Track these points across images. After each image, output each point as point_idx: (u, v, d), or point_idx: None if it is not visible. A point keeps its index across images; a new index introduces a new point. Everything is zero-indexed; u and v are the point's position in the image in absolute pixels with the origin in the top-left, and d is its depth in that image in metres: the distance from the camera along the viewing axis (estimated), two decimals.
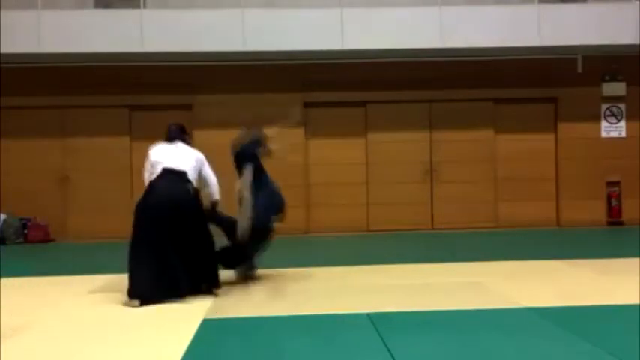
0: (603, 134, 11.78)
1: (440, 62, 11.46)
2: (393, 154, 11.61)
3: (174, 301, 5.31)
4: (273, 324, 4.58)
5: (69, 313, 5.11)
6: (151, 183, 5.61)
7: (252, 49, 10.66)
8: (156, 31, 10.51)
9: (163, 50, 10.63)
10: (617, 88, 11.65)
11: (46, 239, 11.01)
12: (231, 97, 11.45)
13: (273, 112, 11.38)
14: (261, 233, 6.20)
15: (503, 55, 11.28)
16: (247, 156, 6.40)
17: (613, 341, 3.87)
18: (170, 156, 5.67)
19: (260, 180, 6.35)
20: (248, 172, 6.28)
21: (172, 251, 5.39)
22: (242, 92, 11.45)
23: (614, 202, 11.67)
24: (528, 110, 11.83)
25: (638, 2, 10.77)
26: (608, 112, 11.78)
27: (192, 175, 5.68)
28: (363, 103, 11.69)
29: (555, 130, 11.85)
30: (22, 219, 11.03)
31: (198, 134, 10.17)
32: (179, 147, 5.82)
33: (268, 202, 6.31)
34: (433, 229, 11.59)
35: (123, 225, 11.26)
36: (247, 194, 6.18)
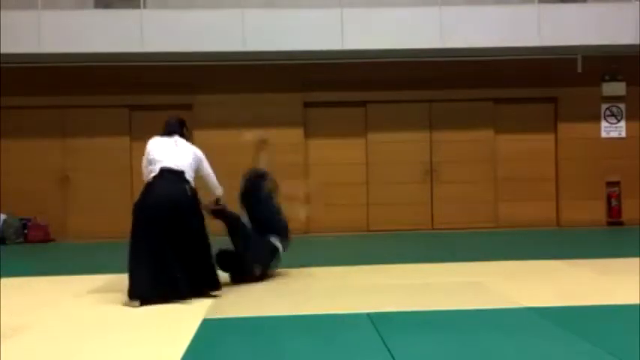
0: (603, 134, 11.78)
1: (440, 62, 11.46)
2: (393, 154, 11.61)
3: (174, 302, 5.31)
4: (273, 324, 4.57)
5: (69, 313, 5.10)
6: (149, 183, 5.59)
7: (252, 49, 10.66)
8: (156, 31, 10.52)
9: (163, 50, 10.63)
10: (617, 88, 11.66)
11: (46, 239, 11.01)
12: (231, 97, 11.46)
13: (273, 112, 11.47)
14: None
15: (503, 55, 11.28)
16: (252, 193, 6.58)
17: (613, 341, 3.86)
18: (168, 154, 5.61)
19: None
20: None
21: (171, 252, 5.37)
22: (242, 92, 11.46)
23: (614, 202, 11.68)
24: (528, 110, 11.84)
25: (638, 2, 10.77)
26: (608, 112, 11.79)
27: (190, 174, 5.65)
28: (363, 103, 11.69)
29: (555, 130, 11.85)
30: (22, 219, 11.03)
31: (198, 134, 10.16)
32: (177, 143, 5.74)
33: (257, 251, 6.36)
34: (433, 229, 11.59)
35: (123, 225, 11.26)
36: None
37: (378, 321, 4.47)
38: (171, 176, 5.53)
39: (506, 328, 4.32)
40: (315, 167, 11.63)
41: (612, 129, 11.78)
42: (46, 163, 11.35)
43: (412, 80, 11.52)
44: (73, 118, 11.46)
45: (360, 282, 6.24)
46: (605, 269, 6.68)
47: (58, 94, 11.33)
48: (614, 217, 11.66)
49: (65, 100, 11.36)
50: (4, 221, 10.84)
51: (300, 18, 10.75)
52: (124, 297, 5.36)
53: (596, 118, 11.76)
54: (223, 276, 6.07)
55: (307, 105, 11.62)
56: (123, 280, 5.46)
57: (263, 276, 6.36)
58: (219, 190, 6.06)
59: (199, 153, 5.86)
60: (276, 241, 6.56)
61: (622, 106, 11.78)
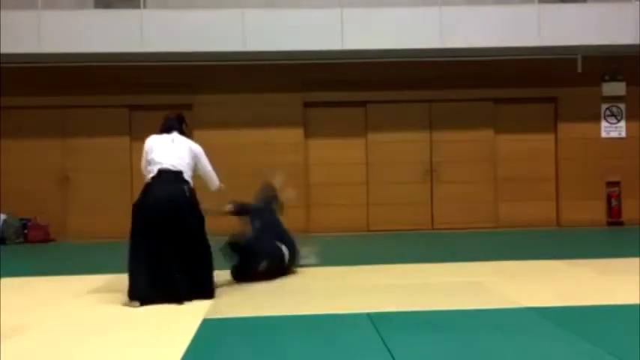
0: (603, 134, 11.78)
1: (440, 62, 11.46)
2: (393, 154, 11.62)
3: (174, 302, 5.31)
4: (273, 324, 4.57)
5: (69, 313, 5.10)
6: (147, 184, 5.58)
7: (252, 49, 10.66)
8: (156, 31, 10.51)
9: (163, 50, 10.63)
10: (617, 88, 11.66)
11: (46, 239, 11.01)
12: (231, 97, 11.46)
13: (273, 112, 11.48)
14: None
15: (503, 55, 11.29)
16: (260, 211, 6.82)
17: (613, 341, 3.86)
18: (166, 154, 5.59)
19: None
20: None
21: (169, 253, 5.36)
22: (242, 92, 11.46)
23: (614, 202, 11.68)
24: (528, 110, 11.84)
25: (638, 2, 10.77)
26: (608, 112, 11.79)
27: (188, 174, 5.64)
28: (363, 103, 11.69)
29: (555, 130, 11.85)
30: (22, 219, 11.03)
31: (198, 134, 10.15)
32: (175, 141, 5.70)
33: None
34: (433, 229, 11.59)
35: (123, 225, 11.24)
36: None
37: (378, 321, 4.47)
38: (169, 177, 5.52)
39: (506, 328, 4.32)
40: (315, 167, 11.63)
41: (612, 129, 11.78)
42: (46, 163, 11.35)
43: (412, 80, 11.52)
44: (73, 118, 11.46)
45: (360, 282, 6.24)
46: (605, 269, 6.68)
47: (58, 94, 11.33)
48: (614, 217, 11.66)
49: (65, 100, 11.36)
50: (4, 221, 10.84)
51: (300, 18, 10.75)
52: (124, 297, 5.36)
53: (596, 118, 11.76)
54: (223, 276, 6.07)
55: (307, 105, 11.62)
56: (123, 280, 5.46)
57: (265, 275, 6.36)
58: (215, 186, 6.02)
59: (197, 149, 5.81)
60: (283, 248, 6.65)
61: (622, 106, 11.78)
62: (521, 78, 11.61)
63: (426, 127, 11.75)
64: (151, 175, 5.57)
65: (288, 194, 7.18)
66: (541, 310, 4.75)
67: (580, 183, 11.67)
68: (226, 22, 10.62)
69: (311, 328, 4.43)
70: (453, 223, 11.49)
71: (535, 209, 11.67)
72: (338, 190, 11.56)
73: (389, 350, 3.75)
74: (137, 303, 5.22)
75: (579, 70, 11.62)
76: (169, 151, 5.62)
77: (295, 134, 11.57)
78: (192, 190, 5.62)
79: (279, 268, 6.58)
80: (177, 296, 5.30)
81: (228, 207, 6.67)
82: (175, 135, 5.76)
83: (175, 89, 11.18)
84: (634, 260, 7.01)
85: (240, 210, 6.76)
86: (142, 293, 5.26)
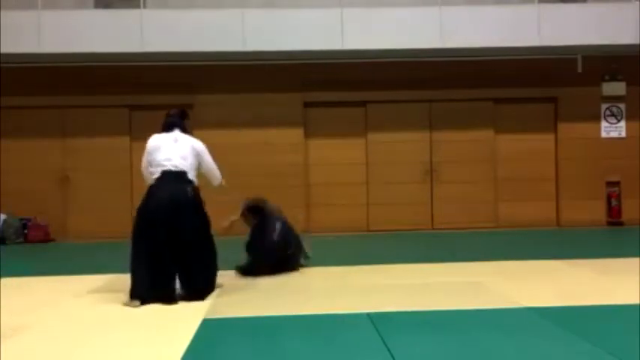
0: (603, 134, 11.78)
1: (440, 62, 11.46)
2: (393, 154, 11.62)
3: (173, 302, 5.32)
4: (273, 324, 4.57)
5: (69, 313, 5.10)
6: (151, 186, 5.58)
7: (252, 49, 10.66)
8: (156, 31, 10.51)
9: (163, 50, 10.63)
10: (617, 88, 11.66)
11: (46, 239, 11.01)
12: (231, 97, 11.46)
13: (273, 112, 11.48)
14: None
15: (503, 55, 11.29)
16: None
17: (613, 341, 3.86)
18: (169, 155, 5.58)
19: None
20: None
21: (170, 255, 5.37)
22: (242, 92, 11.46)
23: (614, 202, 11.68)
24: (528, 110, 11.84)
25: (638, 2, 10.77)
26: (608, 112, 11.79)
27: (191, 174, 5.64)
28: (363, 103, 11.69)
29: (555, 130, 11.85)
30: (22, 219, 11.03)
31: (198, 134, 9.96)
32: (178, 140, 5.69)
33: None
34: (433, 229, 11.59)
35: (123, 225, 11.33)
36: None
37: (378, 321, 4.47)
38: (172, 178, 5.53)
39: (506, 328, 4.32)
40: (315, 167, 11.63)
41: (612, 129, 11.78)
42: (46, 163, 11.35)
43: (412, 80, 11.53)
44: (73, 118, 11.46)
45: (360, 282, 6.24)
46: (605, 269, 6.68)
47: (58, 94, 11.33)
48: (614, 217, 11.66)
49: (65, 100, 11.35)
50: (4, 221, 10.84)
51: (300, 18, 10.75)
52: (124, 297, 5.36)
53: (596, 118, 11.76)
54: (224, 276, 6.07)
55: (307, 105, 11.62)
56: (123, 280, 5.46)
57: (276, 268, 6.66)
58: (217, 181, 6.03)
59: (200, 147, 5.81)
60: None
61: (622, 106, 11.78)
62: (521, 78, 11.61)
63: (426, 127, 11.75)
64: (155, 177, 5.56)
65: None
66: (541, 310, 4.75)
67: (580, 183, 11.67)
68: (226, 22, 10.62)
69: (311, 328, 4.43)
70: (453, 223, 11.49)
71: (535, 209, 11.67)
72: (338, 190, 11.56)
73: (389, 350, 3.76)
74: (137, 302, 5.22)
75: (579, 70, 11.62)
76: (172, 152, 5.60)
77: (295, 134, 11.57)
78: (196, 190, 5.63)
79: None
80: (173, 298, 5.33)
81: (241, 205, 6.95)
82: (178, 134, 5.74)
83: (175, 89, 11.18)
84: (634, 260, 7.01)
85: (254, 208, 6.95)
86: (142, 293, 5.27)
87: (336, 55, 11.10)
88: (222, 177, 6.07)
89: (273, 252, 6.72)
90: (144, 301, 5.23)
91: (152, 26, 10.52)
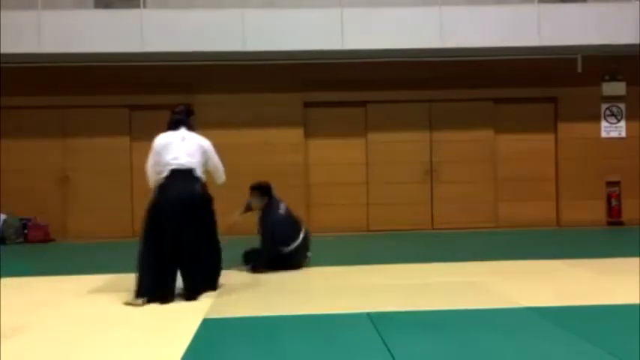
0: (603, 134, 11.78)
1: (440, 62, 11.47)
2: (393, 154, 11.62)
3: (174, 302, 5.32)
4: (273, 324, 4.58)
5: (69, 313, 5.11)
6: (160, 184, 5.61)
7: (252, 49, 10.66)
8: (156, 31, 10.51)
9: (163, 50, 10.63)
10: (617, 87, 11.66)
11: (46, 239, 11.01)
12: (231, 97, 11.46)
13: (273, 112, 11.48)
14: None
15: (503, 55, 11.29)
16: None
17: (613, 341, 3.87)
18: (177, 153, 5.62)
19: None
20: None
21: (175, 255, 5.41)
22: (242, 92, 11.46)
23: (614, 202, 11.68)
24: (528, 110, 11.84)
25: (638, 2, 10.77)
26: (608, 112, 11.79)
27: (199, 171, 5.70)
28: (363, 103, 11.69)
29: (555, 130, 11.85)
30: (22, 219, 11.03)
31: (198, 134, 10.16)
32: (185, 138, 5.74)
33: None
34: (433, 229, 11.59)
35: (123, 225, 11.38)
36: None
37: (378, 321, 4.48)
38: (181, 176, 5.59)
39: (506, 328, 4.32)
40: (315, 167, 11.63)
41: (612, 129, 11.78)
42: (46, 163, 11.35)
43: (412, 80, 11.53)
44: (73, 118, 11.46)
45: (360, 282, 6.24)
46: (605, 269, 6.68)
47: (58, 94, 11.33)
48: (614, 217, 11.66)
49: (65, 100, 11.35)
50: (4, 221, 10.84)
51: (300, 18, 10.74)
52: (124, 297, 5.37)
53: (596, 118, 11.76)
54: (225, 275, 6.07)
55: (307, 105, 11.62)
56: (123, 280, 5.46)
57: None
58: (222, 180, 6.09)
59: (207, 145, 5.88)
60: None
61: (622, 105, 11.78)
62: (521, 78, 11.61)
63: (426, 127, 11.74)
64: (163, 175, 5.60)
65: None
66: (541, 310, 4.76)
67: (580, 183, 11.67)
68: (226, 22, 10.62)
69: (311, 328, 4.43)
70: (453, 223, 11.49)
71: (535, 209, 11.67)
72: (338, 190, 11.56)
73: (389, 350, 3.76)
74: (140, 301, 5.24)
75: (579, 70, 11.62)
76: (180, 150, 5.66)
77: (295, 134, 11.57)
78: (204, 187, 5.72)
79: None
80: (171, 297, 5.37)
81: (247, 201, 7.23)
82: (184, 132, 5.80)
83: (175, 89, 11.17)
84: (634, 260, 7.01)
85: (264, 188, 7.23)
86: (147, 292, 5.30)
87: (336, 55, 11.10)
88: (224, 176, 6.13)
89: (281, 227, 7.00)
90: (149, 300, 5.25)
91: (152, 26, 10.52)
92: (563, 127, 11.77)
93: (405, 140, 11.67)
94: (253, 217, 7.29)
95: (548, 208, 11.77)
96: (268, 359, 3.75)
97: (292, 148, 11.48)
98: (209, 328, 4.48)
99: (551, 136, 11.86)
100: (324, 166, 11.60)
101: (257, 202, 7.19)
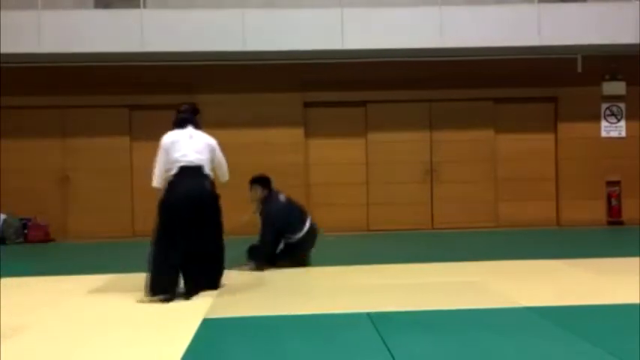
0: (603, 134, 11.78)
1: (440, 62, 11.47)
2: (393, 154, 11.62)
3: (175, 301, 5.33)
4: (273, 323, 4.57)
5: (69, 313, 5.11)
6: (170, 182, 5.64)
7: (251, 48, 10.66)
8: (156, 31, 10.52)
9: (163, 50, 10.64)
10: (617, 87, 11.66)
11: (46, 239, 11.01)
12: (231, 96, 11.46)
13: (273, 112, 11.48)
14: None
15: (503, 54, 11.29)
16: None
17: (613, 341, 3.86)
18: (185, 150, 5.66)
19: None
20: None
21: (184, 251, 5.46)
22: (242, 92, 11.46)
23: (614, 202, 11.68)
24: (528, 110, 11.84)
25: (638, 2, 10.77)
26: (608, 112, 11.79)
27: (208, 168, 5.75)
28: (363, 103, 11.69)
29: (555, 130, 11.85)
30: (22, 219, 11.03)
31: None
32: (193, 136, 5.79)
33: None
34: (433, 228, 11.59)
35: (123, 225, 11.37)
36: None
37: (378, 321, 4.47)
38: (190, 173, 5.63)
39: (506, 328, 4.32)
40: (315, 167, 11.63)
41: (612, 128, 11.78)
42: (46, 163, 11.35)
43: (412, 80, 11.52)
44: (73, 118, 11.46)
45: (360, 282, 6.24)
46: (605, 269, 6.68)
47: (58, 94, 11.33)
48: (614, 216, 11.66)
49: (65, 100, 11.36)
50: (4, 221, 10.84)
51: (300, 18, 10.75)
52: (124, 297, 5.38)
53: (596, 117, 11.76)
54: (226, 275, 6.07)
55: (307, 105, 11.62)
56: (123, 280, 5.46)
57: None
58: (226, 178, 6.14)
59: (213, 143, 5.93)
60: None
61: (622, 105, 11.78)
62: (521, 78, 11.61)
63: (426, 126, 11.75)
64: (172, 173, 5.64)
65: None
66: (541, 310, 4.75)
67: (580, 183, 11.67)
68: (226, 22, 10.62)
69: (311, 328, 4.43)
70: (453, 223, 11.49)
71: (535, 209, 11.67)
72: (338, 190, 11.56)
73: (389, 350, 3.75)
74: (162, 297, 5.29)
75: (579, 69, 11.62)
76: (188, 148, 5.70)
77: (295, 134, 11.57)
78: (212, 184, 5.78)
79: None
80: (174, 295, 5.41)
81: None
82: (192, 130, 5.84)
83: (175, 89, 11.16)
84: (634, 260, 7.01)
85: (263, 180, 7.35)
86: (163, 289, 5.36)
87: (336, 55, 11.10)
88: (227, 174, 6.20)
89: (283, 215, 7.10)
90: (167, 299, 5.31)
91: (152, 26, 10.53)
92: (563, 127, 11.77)
93: (405, 140, 11.67)
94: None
95: (548, 208, 11.77)
96: (268, 359, 3.75)
97: (292, 148, 11.48)
98: (209, 328, 4.48)
99: (551, 136, 11.86)
100: (324, 166, 11.60)
101: (258, 195, 7.24)
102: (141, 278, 5.51)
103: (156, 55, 10.80)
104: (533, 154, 11.78)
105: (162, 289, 5.35)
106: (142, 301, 5.30)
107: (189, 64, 11.25)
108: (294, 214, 7.25)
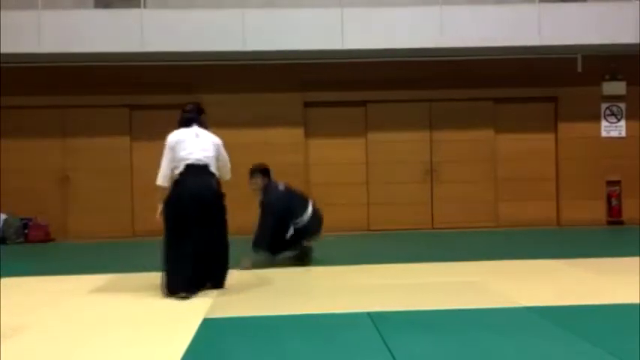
0: (603, 134, 11.78)
1: (440, 62, 11.47)
2: (393, 154, 11.62)
3: (175, 300, 5.33)
4: (274, 323, 4.57)
5: (69, 313, 5.10)
6: (177, 180, 5.66)
7: (251, 48, 10.66)
8: (156, 31, 10.52)
9: (163, 50, 10.64)
10: (618, 87, 11.66)
11: (47, 239, 11.01)
12: (231, 96, 11.46)
13: (273, 112, 11.48)
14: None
15: (503, 54, 11.29)
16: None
17: (613, 341, 3.86)
18: (191, 149, 5.68)
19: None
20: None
21: (194, 249, 5.49)
22: (242, 92, 11.46)
23: (614, 202, 11.68)
24: (528, 110, 11.84)
25: (638, 2, 10.77)
26: (608, 112, 11.79)
27: (214, 167, 5.78)
28: (363, 103, 11.69)
29: (555, 130, 11.85)
30: (22, 219, 11.03)
31: None
32: (199, 135, 5.81)
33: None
34: (433, 228, 11.59)
35: (123, 225, 11.37)
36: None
37: (378, 320, 4.47)
38: (197, 171, 5.65)
39: (506, 327, 4.32)
40: (315, 167, 11.64)
41: (612, 128, 11.78)
42: (46, 163, 11.36)
43: (412, 80, 11.53)
44: (73, 118, 11.47)
45: (360, 282, 6.23)
46: (605, 269, 6.67)
47: (58, 94, 11.34)
48: (614, 216, 11.66)
49: (65, 100, 11.36)
50: (5, 221, 10.84)
51: (300, 18, 10.75)
52: (125, 297, 5.39)
53: (596, 117, 11.77)
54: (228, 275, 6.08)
55: (307, 105, 11.62)
56: (123, 280, 5.46)
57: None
58: (229, 176, 6.16)
59: (218, 141, 5.96)
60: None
61: (622, 105, 11.78)
62: (521, 78, 11.61)
63: (426, 126, 11.75)
64: (178, 171, 5.65)
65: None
66: (541, 310, 4.75)
67: (580, 182, 11.67)
68: (226, 22, 10.62)
69: (311, 328, 4.43)
70: (453, 223, 11.49)
71: (535, 209, 11.67)
72: (338, 190, 11.56)
73: (389, 350, 3.75)
74: (184, 294, 5.34)
75: (579, 69, 11.63)
76: (195, 146, 5.72)
77: (295, 134, 11.57)
78: (218, 182, 5.81)
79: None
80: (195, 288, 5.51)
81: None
82: (197, 129, 5.87)
83: (175, 89, 11.17)
84: (634, 260, 7.01)
85: (263, 169, 7.44)
86: (186, 285, 5.39)
87: (336, 55, 11.10)
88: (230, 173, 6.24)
89: (283, 202, 7.16)
90: (187, 297, 5.34)
91: (152, 26, 10.53)
92: (564, 127, 11.77)
93: (405, 140, 11.68)
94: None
95: (548, 208, 11.77)
96: (268, 359, 3.75)
97: (292, 147, 11.48)
98: (209, 328, 4.48)
99: (551, 136, 11.86)
100: (324, 165, 11.60)
101: (258, 184, 7.32)
102: (141, 278, 5.53)
103: (156, 55, 10.80)
104: (533, 154, 11.78)
105: (179, 286, 5.39)
106: (157, 299, 5.32)
107: (189, 64, 11.25)
108: (294, 200, 7.33)
